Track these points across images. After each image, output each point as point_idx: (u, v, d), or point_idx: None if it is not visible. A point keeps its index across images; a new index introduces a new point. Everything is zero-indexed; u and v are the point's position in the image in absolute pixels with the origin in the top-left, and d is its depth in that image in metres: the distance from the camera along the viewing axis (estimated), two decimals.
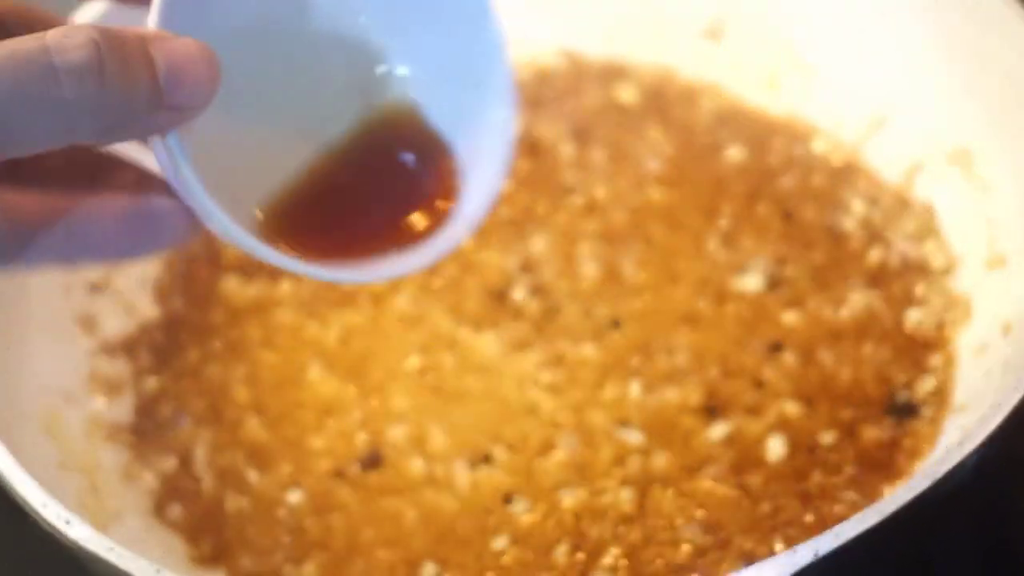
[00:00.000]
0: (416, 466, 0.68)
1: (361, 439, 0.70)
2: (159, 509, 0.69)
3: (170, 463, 0.71)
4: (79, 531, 0.55)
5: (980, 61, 0.74)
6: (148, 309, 0.80)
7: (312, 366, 0.74)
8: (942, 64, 0.78)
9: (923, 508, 0.51)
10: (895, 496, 0.51)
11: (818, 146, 0.84)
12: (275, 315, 0.78)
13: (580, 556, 0.63)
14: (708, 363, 0.71)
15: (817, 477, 0.65)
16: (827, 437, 0.67)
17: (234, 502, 0.69)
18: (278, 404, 0.73)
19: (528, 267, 0.78)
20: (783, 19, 0.88)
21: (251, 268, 0.79)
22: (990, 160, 0.74)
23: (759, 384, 0.70)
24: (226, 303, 0.79)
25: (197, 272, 0.81)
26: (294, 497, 0.68)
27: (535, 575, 0.63)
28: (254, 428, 0.72)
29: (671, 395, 0.70)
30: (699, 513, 0.64)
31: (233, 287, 0.79)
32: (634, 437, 0.68)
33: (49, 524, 0.56)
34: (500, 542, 0.65)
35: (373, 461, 0.68)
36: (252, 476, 0.70)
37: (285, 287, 0.79)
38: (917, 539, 0.63)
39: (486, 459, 0.68)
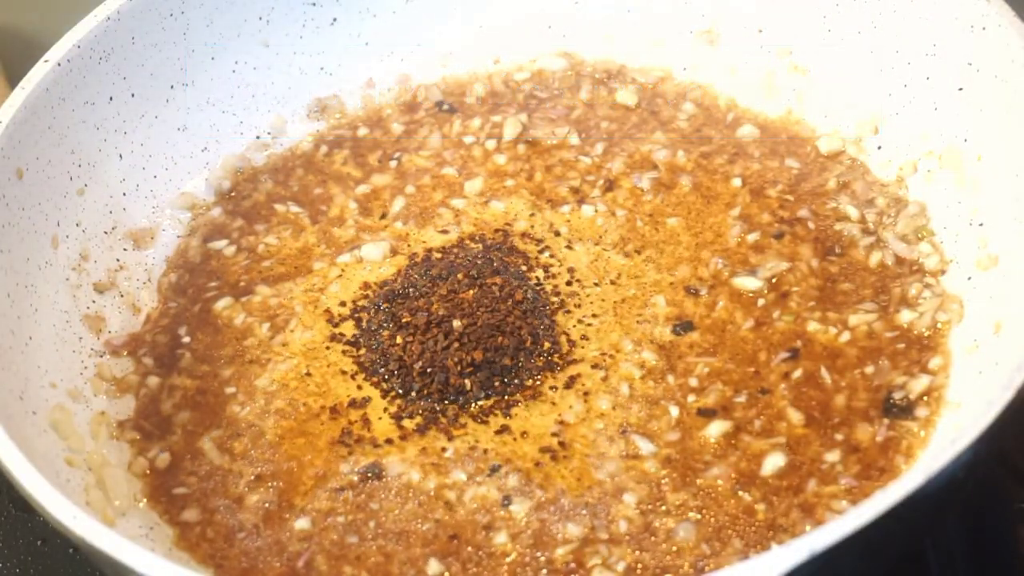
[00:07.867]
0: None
1: (358, 457, 0.70)
2: (163, 505, 0.70)
3: (173, 460, 0.71)
4: (85, 526, 0.55)
5: (972, 64, 0.75)
6: (152, 310, 0.81)
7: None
8: (935, 67, 0.79)
9: (917, 504, 0.51)
10: (888, 492, 0.51)
11: (814, 148, 0.85)
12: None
13: (579, 556, 0.64)
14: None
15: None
16: (828, 448, 0.67)
17: (234, 500, 0.69)
18: (280, 404, 0.73)
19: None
20: (779, 23, 0.89)
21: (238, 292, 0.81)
22: (982, 162, 0.75)
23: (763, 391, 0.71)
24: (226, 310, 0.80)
25: (199, 280, 0.82)
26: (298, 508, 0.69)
27: (536, 573, 0.64)
28: (257, 428, 0.72)
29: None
30: (699, 515, 0.65)
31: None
32: (645, 445, 0.69)
33: (56, 519, 0.56)
34: (501, 539, 0.65)
35: (374, 475, 0.69)
36: (252, 474, 0.70)
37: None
38: (911, 535, 0.63)
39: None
